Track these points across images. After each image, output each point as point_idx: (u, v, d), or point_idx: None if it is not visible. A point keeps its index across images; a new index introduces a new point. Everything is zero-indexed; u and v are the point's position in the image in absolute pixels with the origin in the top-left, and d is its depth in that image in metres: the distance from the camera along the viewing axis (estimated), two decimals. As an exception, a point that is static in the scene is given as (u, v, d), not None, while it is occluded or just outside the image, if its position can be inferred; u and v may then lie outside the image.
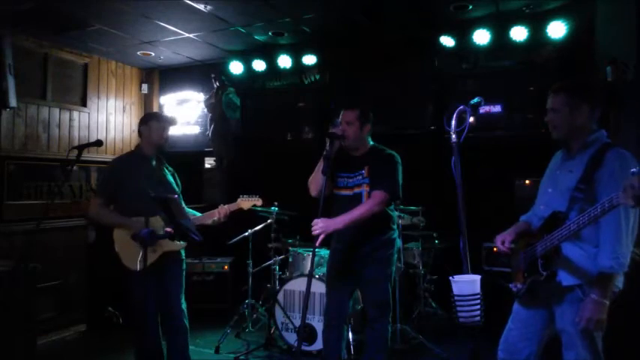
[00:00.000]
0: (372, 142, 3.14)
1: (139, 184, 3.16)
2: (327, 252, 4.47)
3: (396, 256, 3.12)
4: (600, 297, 2.02)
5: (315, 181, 3.02)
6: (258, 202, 3.43)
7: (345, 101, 5.18)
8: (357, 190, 3.01)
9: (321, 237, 2.73)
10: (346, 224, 2.79)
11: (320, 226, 2.71)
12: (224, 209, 3.29)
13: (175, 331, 3.29)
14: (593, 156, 2.14)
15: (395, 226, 3.14)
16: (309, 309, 3.85)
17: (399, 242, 3.18)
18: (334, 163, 2.95)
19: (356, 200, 2.96)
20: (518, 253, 2.35)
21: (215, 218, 3.29)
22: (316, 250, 2.92)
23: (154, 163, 3.36)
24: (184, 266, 3.40)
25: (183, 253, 3.37)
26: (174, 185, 3.43)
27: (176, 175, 3.52)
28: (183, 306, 3.31)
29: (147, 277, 3.06)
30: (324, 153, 2.85)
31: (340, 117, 3.03)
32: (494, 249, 2.46)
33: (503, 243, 2.37)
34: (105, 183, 3.36)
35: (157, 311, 3.24)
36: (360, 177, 3.01)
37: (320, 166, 2.94)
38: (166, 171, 3.44)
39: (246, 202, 3.39)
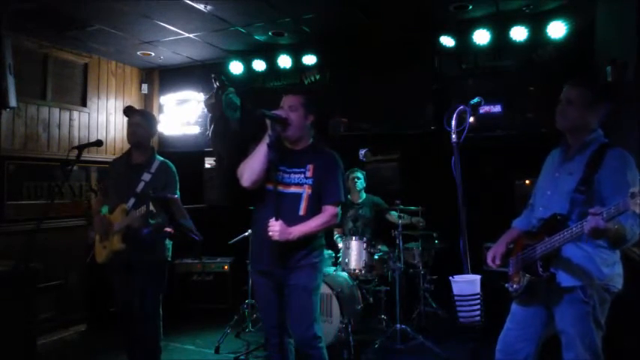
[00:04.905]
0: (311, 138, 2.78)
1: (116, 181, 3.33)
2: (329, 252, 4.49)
3: (323, 264, 2.78)
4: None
5: (250, 169, 2.63)
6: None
7: (345, 102, 5.23)
8: (295, 189, 2.63)
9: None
10: (297, 237, 2.52)
11: (275, 236, 2.47)
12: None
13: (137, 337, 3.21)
14: (592, 157, 2.14)
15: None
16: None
17: (326, 252, 2.88)
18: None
19: (293, 200, 2.61)
20: (515, 254, 2.35)
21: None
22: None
23: (132, 161, 3.30)
24: (159, 268, 3.22)
25: (169, 253, 3.29)
26: (142, 187, 3.16)
27: (169, 174, 3.28)
28: (150, 310, 3.15)
29: (112, 271, 3.22)
30: (267, 140, 2.50)
31: (282, 101, 2.68)
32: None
33: (493, 260, 2.38)
34: None
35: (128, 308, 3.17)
36: (302, 176, 2.64)
37: (259, 153, 2.59)
38: (149, 170, 3.22)
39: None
